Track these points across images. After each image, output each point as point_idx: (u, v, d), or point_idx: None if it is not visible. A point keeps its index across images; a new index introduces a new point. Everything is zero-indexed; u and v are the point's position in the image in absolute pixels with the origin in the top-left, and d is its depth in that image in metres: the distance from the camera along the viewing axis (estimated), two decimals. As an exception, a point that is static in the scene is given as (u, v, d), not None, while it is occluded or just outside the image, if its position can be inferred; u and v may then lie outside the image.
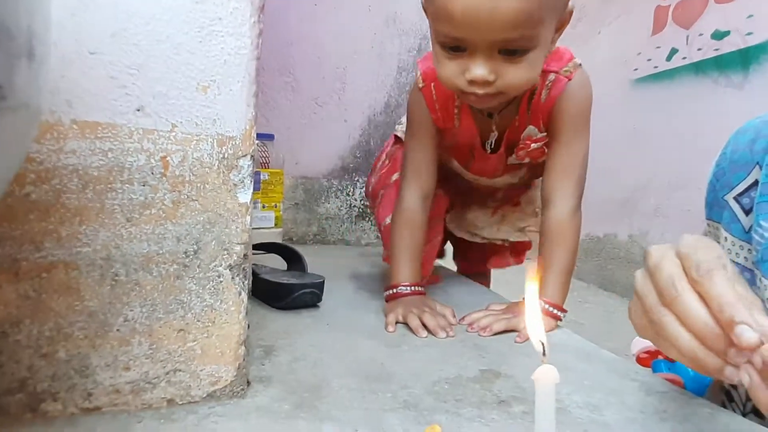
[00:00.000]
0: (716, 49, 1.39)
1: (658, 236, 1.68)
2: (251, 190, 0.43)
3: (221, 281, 0.42)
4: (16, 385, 0.37)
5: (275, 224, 1.24)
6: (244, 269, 0.43)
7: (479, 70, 0.59)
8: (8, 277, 0.37)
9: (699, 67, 1.47)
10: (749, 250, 0.46)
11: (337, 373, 0.50)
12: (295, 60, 1.33)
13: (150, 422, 0.38)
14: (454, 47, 0.60)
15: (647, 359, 0.96)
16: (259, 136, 1.22)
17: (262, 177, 1.20)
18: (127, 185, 0.39)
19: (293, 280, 0.73)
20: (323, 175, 1.41)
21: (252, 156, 0.43)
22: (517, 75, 0.60)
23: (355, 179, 1.43)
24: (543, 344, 0.27)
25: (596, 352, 0.61)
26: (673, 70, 1.57)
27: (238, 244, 0.42)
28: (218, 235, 0.42)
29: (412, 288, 0.72)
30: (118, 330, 0.39)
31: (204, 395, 0.41)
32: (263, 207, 1.22)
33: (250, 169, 0.43)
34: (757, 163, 0.46)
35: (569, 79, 0.71)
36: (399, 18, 1.39)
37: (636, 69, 1.71)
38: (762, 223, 0.43)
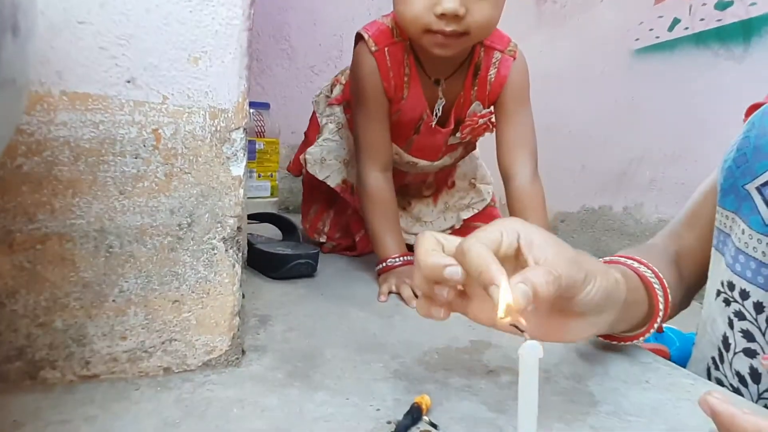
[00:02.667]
0: (719, 20, 1.36)
1: (652, 209, 1.68)
2: (244, 163, 0.43)
3: (215, 253, 0.42)
4: (14, 353, 0.38)
5: (271, 194, 1.25)
6: (237, 241, 0.43)
7: (450, 2, 0.60)
8: (2, 248, 0.37)
9: (700, 38, 1.45)
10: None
11: (330, 343, 0.51)
12: (290, 26, 1.30)
13: (147, 389, 0.39)
14: None
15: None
16: (255, 104, 1.21)
17: (257, 146, 1.20)
18: (119, 158, 0.39)
19: (288, 251, 0.74)
20: (319, 145, 1.40)
21: (245, 129, 0.43)
22: (483, 12, 0.63)
23: (351, 149, 1.42)
24: (520, 326, 0.28)
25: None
26: (675, 40, 1.54)
27: (232, 216, 0.43)
28: (212, 208, 0.42)
29: (402, 258, 0.73)
30: (113, 300, 0.40)
31: (199, 364, 0.42)
32: (259, 176, 1.22)
33: (243, 142, 0.43)
34: None
35: (514, 58, 0.75)
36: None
37: (637, 39, 1.68)
38: None
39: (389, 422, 0.36)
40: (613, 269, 0.41)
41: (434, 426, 0.36)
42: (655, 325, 0.47)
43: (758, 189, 0.45)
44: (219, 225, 0.42)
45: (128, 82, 0.39)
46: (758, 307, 0.45)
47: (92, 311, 0.39)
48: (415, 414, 0.36)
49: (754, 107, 0.54)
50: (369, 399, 0.40)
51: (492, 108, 0.79)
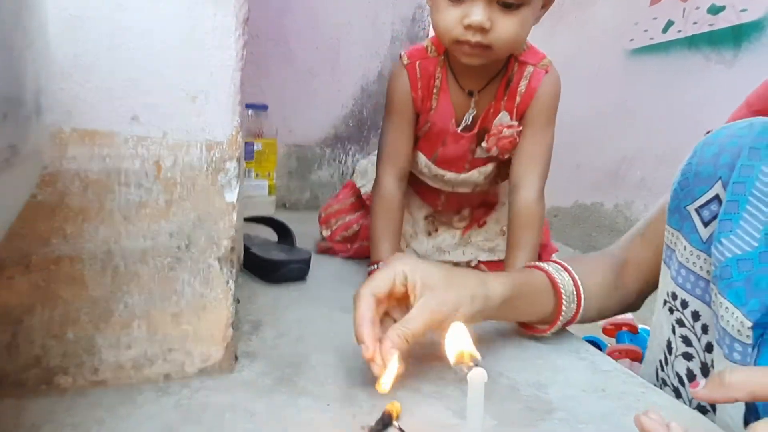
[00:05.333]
0: (711, 24, 1.39)
1: (641, 207, 1.72)
2: (237, 190, 0.47)
3: (211, 272, 0.47)
4: (32, 362, 0.43)
5: (269, 192, 1.29)
6: (231, 261, 0.47)
7: (478, 15, 0.64)
8: (21, 269, 0.42)
9: (692, 42, 1.47)
10: (705, 260, 0.50)
11: (316, 349, 0.56)
12: (289, 30, 1.33)
13: (149, 394, 0.44)
14: None
15: (612, 330, 1.03)
16: (253, 106, 1.25)
17: (255, 147, 1.24)
18: (124, 187, 0.43)
19: (281, 256, 0.78)
20: (316, 143, 1.44)
21: (238, 159, 0.47)
22: (508, 27, 0.66)
23: (348, 147, 1.46)
24: (470, 365, 0.33)
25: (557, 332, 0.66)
26: (668, 42, 1.57)
27: (226, 238, 0.47)
28: (207, 231, 0.46)
29: (392, 265, 0.78)
30: (119, 315, 0.44)
31: (196, 371, 0.47)
32: (257, 176, 1.26)
33: (236, 171, 0.47)
34: (720, 177, 0.49)
35: (546, 72, 0.76)
36: (393, -14, 1.39)
37: (632, 39, 1.71)
38: (723, 240, 0.46)
39: (363, 427, 0.41)
40: (506, 278, 0.52)
41: (402, 431, 0.41)
42: (558, 323, 0.58)
43: (697, 210, 0.49)
44: (214, 246, 0.47)
45: (132, 119, 0.43)
46: (695, 316, 0.50)
47: (100, 324, 0.44)
48: (386, 420, 0.41)
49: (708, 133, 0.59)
50: (347, 405, 0.44)
51: (519, 122, 0.78)
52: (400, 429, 0.41)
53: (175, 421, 0.40)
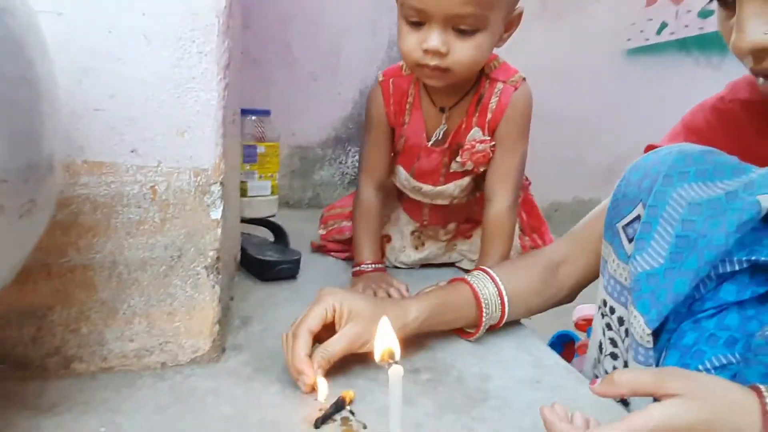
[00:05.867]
0: (701, 28, 1.42)
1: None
2: (221, 209, 0.55)
3: (199, 278, 0.55)
4: (52, 351, 0.52)
5: (271, 192, 1.37)
6: (216, 268, 0.56)
7: (434, 40, 0.69)
8: (43, 276, 0.51)
9: (683, 45, 1.50)
10: (629, 272, 0.55)
11: (295, 342, 0.64)
12: (291, 36, 1.40)
13: (148, 379, 0.53)
14: (416, 22, 0.70)
15: (584, 325, 1.09)
16: (256, 112, 1.32)
17: (258, 150, 1.32)
18: (126, 208, 0.52)
19: (274, 256, 0.87)
20: (318, 145, 1.52)
21: (221, 183, 0.55)
22: (465, 52, 0.71)
23: (348, 148, 1.54)
24: (390, 362, 0.41)
25: (515, 329, 0.73)
26: (662, 44, 1.60)
27: (212, 250, 0.55)
28: (196, 244, 0.55)
29: (373, 266, 0.86)
30: (123, 313, 0.53)
31: (188, 360, 0.56)
32: (260, 177, 1.34)
33: (220, 192, 0.55)
34: (641, 200, 0.55)
35: (515, 88, 0.80)
36: (391, -6, 1.45)
37: (629, 39, 1.74)
38: (637, 257, 0.52)
39: (320, 410, 0.49)
40: (426, 302, 0.62)
41: (352, 413, 0.49)
42: (481, 329, 0.66)
43: (623, 228, 0.56)
44: (202, 256, 0.55)
45: (132, 152, 0.51)
46: (620, 321, 0.57)
47: (108, 321, 0.53)
48: (339, 405, 0.49)
49: (650, 147, 0.65)
50: (313, 392, 0.53)
51: (492, 137, 0.82)
52: (351, 412, 0.49)
53: (168, 401, 0.49)
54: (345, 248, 1.02)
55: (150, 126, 0.51)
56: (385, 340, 0.43)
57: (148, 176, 0.52)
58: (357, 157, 1.54)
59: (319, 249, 1.05)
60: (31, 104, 0.32)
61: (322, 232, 1.06)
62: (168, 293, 0.55)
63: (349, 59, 1.47)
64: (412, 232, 0.98)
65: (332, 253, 1.04)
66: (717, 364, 0.48)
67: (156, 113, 0.51)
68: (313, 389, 0.51)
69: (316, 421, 0.47)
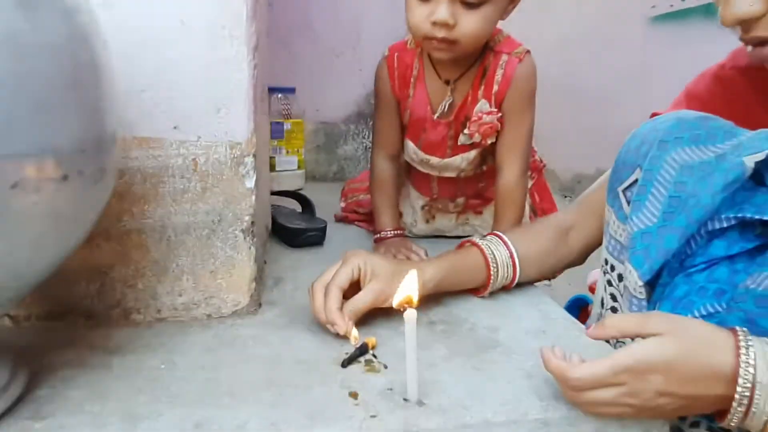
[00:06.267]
0: (726, -8, 1.39)
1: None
2: (254, 178, 0.62)
3: (237, 240, 0.62)
4: (114, 303, 0.60)
5: (298, 167, 1.44)
6: (252, 232, 0.63)
7: (442, 13, 0.72)
8: (104, 238, 0.58)
9: (707, 10, 1.48)
10: (627, 232, 0.61)
11: (323, 299, 0.71)
12: (314, 15, 1.45)
13: (196, 328, 0.60)
14: None
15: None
16: (281, 89, 1.39)
17: (285, 127, 1.38)
18: (171, 178, 0.59)
19: (302, 224, 0.94)
20: (341, 120, 1.57)
21: (254, 155, 0.61)
22: (471, 23, 0.74)
23: (369, 124, 1.58)
24: (406, 306, 0.47)
25: (526, 289, 0.78)
26: (686, 10, 1.57)
27: (247, 215, 0.62)
28: (233, 210, 0.61)
29: (393, 232, 0.92)
30: (173, 271, 0.61)
31: (230, 313, 0.63)
32: (287, 152, 1.41)
33: (253, 164, 0.61)
34: (639, 165, 0.59)
35: (520, 60, 0.83)
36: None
37: (653, 6, 1.71)
38: (633, 217, 0.57)
39: (346, 353, 0.56)
40: (440, 264, 0.68)
41: (375, 356, 0.55)
42: (489, 288, 0.72)
43: (623, 191, 0.60)
44: (239, 221, 0.62)
45: (174, 128, 0.58)
46: (620, 278, 0.61)
47: (160, 278, 0.61)
48: (363, 349, 0.56)
49: (654, 115, 0.69)
50: (339, 339, 0.59)
51: (498, 109, 0.85)
52: (373, 355, 0.56)
53: (214, 345, 0.57)
54: (365, 219, 1.08)
55: (190, 104, 0.58)
56: (405, 290, 0.49)
57: (190, 150, 0.59)
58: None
59: (342, 220, 1.12)
60: (97, 85, 0.38)
61: (342, 204, 1.13)
62: (210, 254, 0.62)
63: (370, 35, 1.51)
64: (422, 207, 1.02)
65: (355, 223, 1.11)
66: (704, 312, 0.53)
67: (195, 93, 0.58)
68: (345, 336, 0.58)
69: (343, 361, 0.54)
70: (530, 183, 1.00)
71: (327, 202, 1.21)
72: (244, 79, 0.59)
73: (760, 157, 0.50)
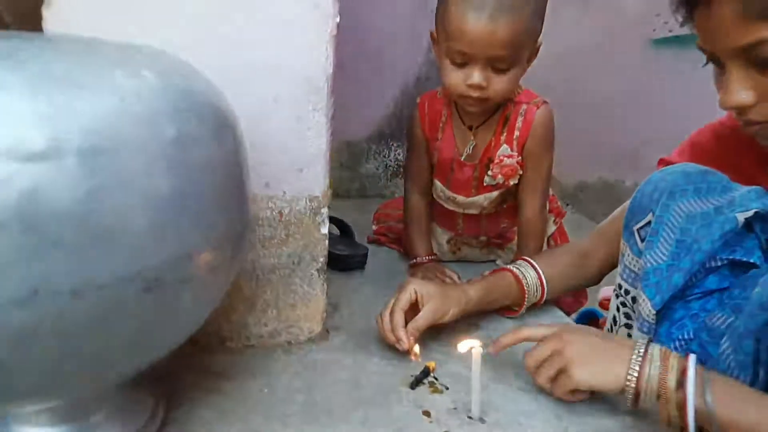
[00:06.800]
0: (723, 23, 1.50)
1: (658, 188, 1.89)
2: (327, 226, 0.72)
3: (312, 278, 0.73)
4: (213, 332, 0.71)
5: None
6: (324, 270, 0.73)
7: (476, 78, 0.84)
8: (204, 279, 0.69)
9: (705, 40, 1.60)
10: (640, 266, 0.73)
11: (378, 324, 0.82)
12: (340, 42, 1.54)
13: (280, 354, 0.71)
14: (461, 62, 0.85)
15: (608, 304, 1.25)
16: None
17: (315, 150, 1.49)
18: (261, 227, 0.69)
19: (345, 251, 1.04)
20: (364, 140, 1.67)
21: (328, 206, 0.72)
22: (501, 84, 0.86)
23: (390, 143, 1.69)
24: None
25: (548, 308, 0.90)
26: (685, 36, 1.68)
27: (321, 256, 0.73)
28: (311, 252, 0.72)
29: (428, 258, 1.03)
30: (260, 306, 0.71)
31: (305, 339, 0.74)
32: (317, 173, 1.51)
33: (327, 213, 0.72)
34: (651, 210, 0.70)
35: (538, 107, 0.94)
36: (430, 1, 1.57)
37: (654, 30, 1.83)
38: (647, 255, 0.68)
39: (412, 376, 0.67)
40: (479, 285, 0.81)
41: (436, 379, 0.67)
42: (523, 309, 0.86)
43: (637, 230, 0.71)
44: (314, 262, 0.73)
45: (266, 185, 0.68)
46: (633, 300, 0.73)
47: (250, 311, 0.71)
48: (425, 372, 0.67)
49: (662, 161, 0.80)
50: (405, 362, 0.70)
51: (520, 153, 0.95)
52: (435, 378, 0.67)
53: (299, 369, 0.68)
54: (395, 241, 1.19)
55: (279, 166, 0.68)
56: (470, 342, 0.60)
57: (277, 203, 0.69)
58: (398, 152, 1.70)
59: (375, 242, 1.22)
60: (245, 176, 0.49)
61: (375, 227, 1.23)
62: (291, 290, 0.72)
63: (392, 62, 1.61)
64: (448, 241, 1.13)
65: (387, 245, 1.21)
66: (692, 336, 0.66)
67: (282, 157, 0.68)
68: (408, 352, 0.69)
69: (411, 383, 0.65)
70: (553, 228, 1.11)
71: (354, 219, 1.31)
72: (323, 144, 0.69)
73: (749, 214, 0.62)
